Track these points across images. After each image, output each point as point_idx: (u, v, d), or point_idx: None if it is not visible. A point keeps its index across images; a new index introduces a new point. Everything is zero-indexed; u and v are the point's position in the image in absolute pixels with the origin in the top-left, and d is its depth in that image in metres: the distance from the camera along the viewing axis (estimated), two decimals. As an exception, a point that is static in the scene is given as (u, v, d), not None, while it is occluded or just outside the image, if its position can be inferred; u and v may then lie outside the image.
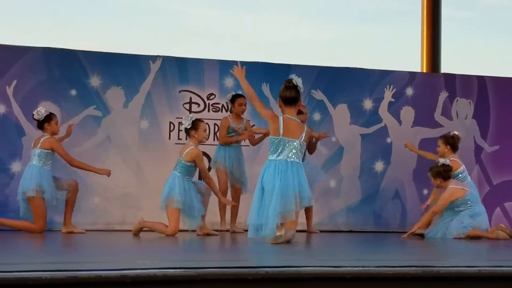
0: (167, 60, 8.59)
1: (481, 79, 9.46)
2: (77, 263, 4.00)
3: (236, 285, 3.63)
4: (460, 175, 8.02)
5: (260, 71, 8.76)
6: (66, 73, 8.28)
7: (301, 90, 6.14)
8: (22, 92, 8.14)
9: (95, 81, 8.35)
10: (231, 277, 3.65)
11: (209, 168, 8.03)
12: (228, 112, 8.36)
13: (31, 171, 7.28)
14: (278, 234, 5.67)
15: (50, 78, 8.23)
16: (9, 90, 8.09)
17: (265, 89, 8.77)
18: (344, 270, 3.85)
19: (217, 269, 3.72)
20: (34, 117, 7.45)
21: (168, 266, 3.74)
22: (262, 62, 8.86)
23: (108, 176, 7.56)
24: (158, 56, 8.57)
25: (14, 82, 8.09)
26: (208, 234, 7.23)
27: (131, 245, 5.91)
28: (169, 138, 8.50)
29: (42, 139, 7.37)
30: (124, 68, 8.43)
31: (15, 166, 8.03)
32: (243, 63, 8.73)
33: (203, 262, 4.27)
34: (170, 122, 8.52)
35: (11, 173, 8.02)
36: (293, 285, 3.72)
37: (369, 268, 3.90)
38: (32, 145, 7.44)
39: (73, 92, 8.28)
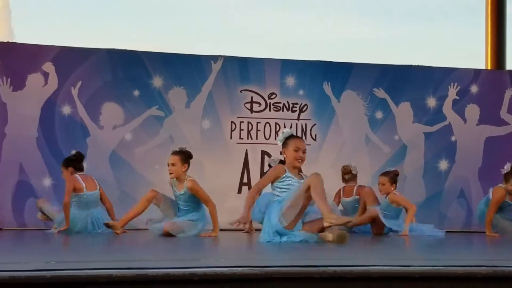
0: (228, 60, 8.62)
1: (547, 75, 9.24)
2: (145, 261, 4.03)
3: (303, 284, 3.60)
4: None
5: (321, 70, 8.74)
6: (129, 74, 8.38)
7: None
8: (87, 93, 8.26)
9: (157, 81, 8.43)
10: (298, 275, 3.62)
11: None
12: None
13: None
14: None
15: (113, 79, 8.34)
16: (74, 91, 8.22)
17: (327, 88, 8.73)
18: (413, 269, 3.79)
19: (284, 267, 3.69)
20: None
21: (235, 264, 3.74)
22: (323, 61, 8.82)
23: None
24: (220, 56, 8.61)
25: (79, 83, 8.22)
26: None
27: (193, 243, 5.93)
28: (231, 138, 8.52)
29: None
30: (186, 68, 8.48)
31: (80, 166, 8.15)
32: (304, 62, 8.81)
33: (270, 261, 4.25)
34: (232, 122, 8.54)
35: (76, 173, 8.14)
36: (361, 284, 3.67)
37: (438, 267, 3.83)
38: None
39: (136, 93, 8.37)
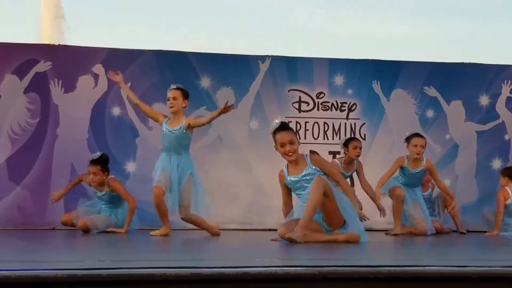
0: (276, 60, 8.60)
1: None
2: (198, 261, 4.03)
3: (358, 284, 3.56)
4: None
5: (370, 69, 8.67)
6: (177, 75, 8.40)
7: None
8: (136, 94, 8.28)
9: (205, 82, 8.45)
10: (353, 276, 3.58)
11: None
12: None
13: None
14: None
15: (162, 80, 8.38)
16: (123, 93, 8.27)
17: (376, 87, 8.66)
18: (470, 270, 3.72)
19: (338, 267, 3.65)
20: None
21: (289, 264, 3.71)
22: (372, 60, 8.75)
23: None
24: (267, 56, 8.60)
25: (128, 84, 8.27)
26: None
27: (244, 243, 5.93)
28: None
29: None
30: (234, 68, 8.49)
31: (130, 167, 8.23)
32: (353, 61, 8.74)
33: (324, 261, 4.22)
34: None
35: (126, 173, 8.22)
36: (417, 285, 3.62)
37: (495, 268, 3.75)
38: None
39: (185, 93, 8.39)
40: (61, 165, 8.12)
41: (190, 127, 6.87)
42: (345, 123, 8.66)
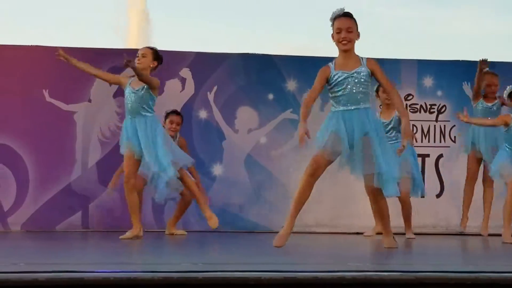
0: (378, 62, 8.47)
1: None
2: (292, 264, 4.00)
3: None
4: None
5: (460, 70, 8.47)
6: (263, 78, 8.41)
7: None
8: (222, 97, 8.36)
9: (291, 84, 8.42)
10: (450, 282, 3.49)
11: None
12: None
13: None
14: None
15: (248, 83, 8.39)
16: (210, 96, 8.34)
17: (466, 88, 8.45)
18: None
19: (436, 273, 3.56)
20: None
21: (383, 269, 3.65)
22: (462, 61, 8.55)
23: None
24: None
25: (215, 88, 8.33)
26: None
27: (337, 247, 5.88)
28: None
29: None
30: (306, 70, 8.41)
31: (216, 170, 8.26)
32: (442, 62, 8.56)
33: (420, 266, 4.12)
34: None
35: (213, 176, 8.27)
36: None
37: None
38: None
39: (270, 96, 8.39)
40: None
41: (153, 88, 6.75)
42: (435, 125, 8.49)
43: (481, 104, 7.90)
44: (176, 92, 8.32)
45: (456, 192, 8.33)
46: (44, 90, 8.01)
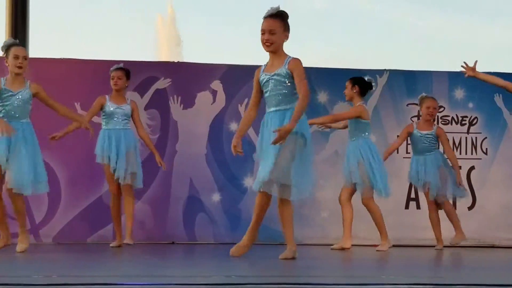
0: (394, 74, 8.48)
1: None
2: (366, 277, 3.97)
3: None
4: None
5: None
6: (294, 90, 8.39)
7: None
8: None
9: (322, 96, 8.41)
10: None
11: None
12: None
13: None
14: None
15: (279, 95, 8.38)
16: (241, 108, 8.36)
17: (498, 100, 8.39)
18: None
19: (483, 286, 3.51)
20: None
21: (417, 282, 3.60)
22: (494, 72, 8.44)
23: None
24: (385, 70, 8.48)
25: (246, 100, 8.35)
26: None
27: (368, 259, 5.83)
28: (397, 152, 8.32)
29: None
30: (351, 83, 8.38)
31: (247, 182, 8.26)
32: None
33: (439, 279, 4.08)
34: (398, 136, 8.35)
35: (244, 188, 8.27)
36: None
37: None
38: None
39: (302, 108, 8.37)
40: (180, 180, 8.25)
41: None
42: (466, 137, 8.43)
43: None
44: (207, 105, 8.35)
45: (488, 204, 8.26)
46: (75, 103, 8.08)
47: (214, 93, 8.36)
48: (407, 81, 8.45)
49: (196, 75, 8.36)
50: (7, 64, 6.44)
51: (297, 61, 5.42)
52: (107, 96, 7.49)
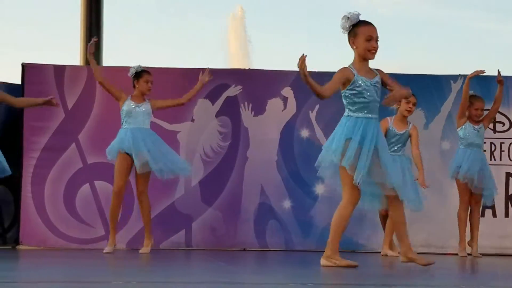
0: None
1: None
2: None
3: None
4: None
5: None
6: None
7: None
8: (324, 116, 8.31)
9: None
10: None
11: None
12: None
13: None
14: None
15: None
16: (312, 115, 8.31)
17: None
18: None
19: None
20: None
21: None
22: None
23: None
24: (459, 75, 8.32)
25: (317, 106, 8.30)
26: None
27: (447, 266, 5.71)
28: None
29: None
30: (424, 88, 8.26)
31: (319, 189, 8.21)
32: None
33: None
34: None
35: (315, 195, 8.22)
36: None
37: None
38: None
39: (373, 115, 8.27)
40: (251, 186, 8.25)
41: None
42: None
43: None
44: (278, 111, 8.33)
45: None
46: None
47: (285, 99, 8.34)
48: (482, 86, 8.26)
49: (266, 82, 8.36)
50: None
51: (382, 71, 5.50)
52: (129, 96, 7.39)
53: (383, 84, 5.43)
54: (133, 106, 7.34)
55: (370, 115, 5.34)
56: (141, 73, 7.42)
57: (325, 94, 5.31)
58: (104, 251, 7.15)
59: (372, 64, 5.51)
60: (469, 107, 7.61)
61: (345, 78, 5.34)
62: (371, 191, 5.42)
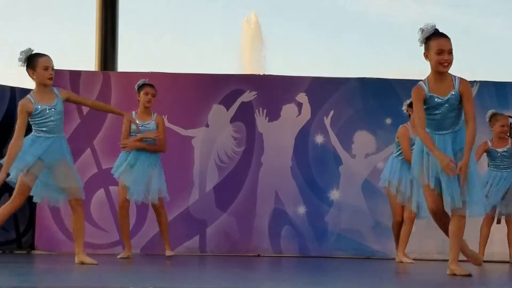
0: (484, 85, 8.29)
1: None
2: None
3: None
4: None
5: None
6: (381, 102, 8.32)
7: None
8: (339, 122, 8.32)
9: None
10: None
11: None
12: None
13: None
14: None
15: (365, 108, 8.33)
16: (327, 121, 8.31)
17: None
18: None
19: None
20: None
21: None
22: None
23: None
24: (475, 81, 8.29)
25: (331, 112, 8.30)
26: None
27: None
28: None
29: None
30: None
31: (333, 195, 8.20)
32: None
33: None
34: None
35: (330, 201, 8.21)
36: None
37: None
38: None
39: (388, 121, 8.28)
40: (266, 192, 8.25)
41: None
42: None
43: None
44: (292, 117, 8.33)
45: None
46: (163, 116, 8.17)
47: (299, 105, 8.34)
48: (498, 93, 8.23)
49: (281, 88, 8.36)
50: None
51: (466, 82, 5.19)
52: (133, 113, 7.19)
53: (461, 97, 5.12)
54: (140, 126, 7.01)
55: (440, 132, 5.15)
56: (142, 86, 7.31)
57: (424, 125, 5.11)
58: (119, 257, 7.15)
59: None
60: (493, 125, 7.56)
61: (422, 99, 5.20)
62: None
